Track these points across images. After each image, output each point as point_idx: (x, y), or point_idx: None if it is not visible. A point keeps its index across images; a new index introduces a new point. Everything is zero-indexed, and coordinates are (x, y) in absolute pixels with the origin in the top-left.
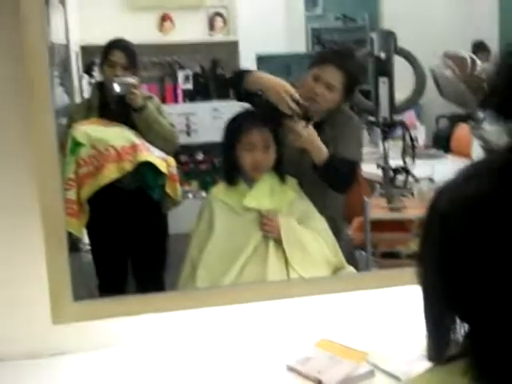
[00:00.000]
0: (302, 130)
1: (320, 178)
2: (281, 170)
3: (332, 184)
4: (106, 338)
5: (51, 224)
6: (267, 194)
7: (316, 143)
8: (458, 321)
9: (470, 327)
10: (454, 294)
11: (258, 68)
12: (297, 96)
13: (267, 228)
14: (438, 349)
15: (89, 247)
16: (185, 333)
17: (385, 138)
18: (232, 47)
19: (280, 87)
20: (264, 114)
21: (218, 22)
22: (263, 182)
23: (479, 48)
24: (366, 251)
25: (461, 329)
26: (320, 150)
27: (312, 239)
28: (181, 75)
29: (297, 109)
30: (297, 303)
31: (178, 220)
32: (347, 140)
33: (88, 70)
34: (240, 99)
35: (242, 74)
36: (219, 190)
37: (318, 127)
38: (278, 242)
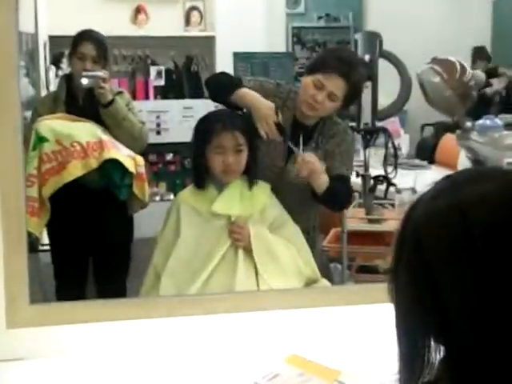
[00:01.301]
0: (306, 163)
1: (319, 202)
2: (252, 174)
3: (332, 206)
4: (63, 345)
5: (11, 223)
6: (237, 199)
7: (319, 175)
8: (431, 343)
9: (446, 351)
10: (427, 313)
11: (235, 66)
12: (278, 120)
13: (236, 236)
14: (411, 372)
15: (47, 248)
16: (145, 343)
17: (366, 145)
18: (208, 43)
19: (264, 112)
20: (237, 114)
21: (195, 16)
22: (233, 187)
23: (479, 54)
24: (341, 264)
25: (435, 352)
26: (322, 181)
27: (284, 249)
28: (153, 71)
29: (273, 133)
30: (266, 316)
31: (144, 224)
32: (344, 155)
33: (56, 62)
34: (216, 100)
35: (232, 86)
36: (187, 193)
37: (308, 133)
38: (248, 250)
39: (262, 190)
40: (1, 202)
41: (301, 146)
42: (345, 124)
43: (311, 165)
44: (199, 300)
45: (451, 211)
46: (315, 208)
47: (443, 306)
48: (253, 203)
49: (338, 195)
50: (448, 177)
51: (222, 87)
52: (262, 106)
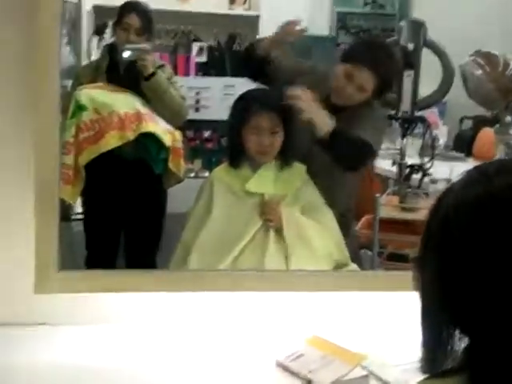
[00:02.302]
0: (303, 98)
1: (325, 152)
2: (288, 155)
3: (338, 159)
4: (88, 313)
5: (44, 189)
6: (271, 179)
7: (319, 113)
8: (456, 332)
9: (470, 340)
10: (453, 303)
11: None
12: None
13: (268, 216)
14: (433, 360)
15: (80, 216)
16: (172, 316)
17: (404, 134)
18: (252, 22)
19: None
20: (274, 95)
21: None
22: (268, 167)
23: None
24: (372, 251)
25: (459, 341)
26: (323, 120)
27: (315, 232)
28: (195, 47)
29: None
30: (292, 296)
31: (177, 199)
32: (368, 126)
33: (98, 32)
34: (253, 74)
35: (255, 42)
36: (222, 171)
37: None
38: (279, 231)
39: (297, 171)
40: (35, 169)
41: None
42: (375, 105)
43: (303, 98)
44: (228, 275)
45: (481, 201)
46: (349, 190)
47: (469, 295)
48: (287, 184)
49: (347, 149)
50: (479, 167)
51: (251, 44)
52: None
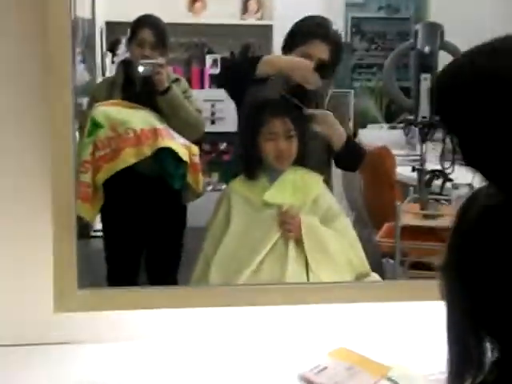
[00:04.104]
0: (321, 113)
1: (337, 164)
2: (304, 163)
3: (349, 167)
4: (109, 331)
5: (61, 208)
6: (289, 189)
7: (336, 126)
8: (485, 344)
9: (500, 352)
10: (481, 313)
11: None
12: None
13: (287, 227)
14: (461, 374)
15: (99, 234)
16: (194, 331)
17: (423, 139)
18: (265, 32)
19: (305, 65)
20: (282, 98)
21: (252, 4)
22: (286, 177)
23: None
24: (394, 259)
25: (488, 354)
26: (340, 133)
27: (335, 241)
28: (209, 59)
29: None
30: (314, 309)
31: (195, 213)
32: (344, 119)
33: (112, 48)
34: (238, 89)
35: (254, 59)
36: (238, 183)
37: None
38: (299, 242)
39: (315, 179)
40: (52, 188)
41: None
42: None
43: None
44: (248, 290)
45: (506, 209)
46: (358, 196)
47: (499, 303)
48: (305, 193)
49: (356, 155)
50: None
51: (243, 66)
52: (298, 60)
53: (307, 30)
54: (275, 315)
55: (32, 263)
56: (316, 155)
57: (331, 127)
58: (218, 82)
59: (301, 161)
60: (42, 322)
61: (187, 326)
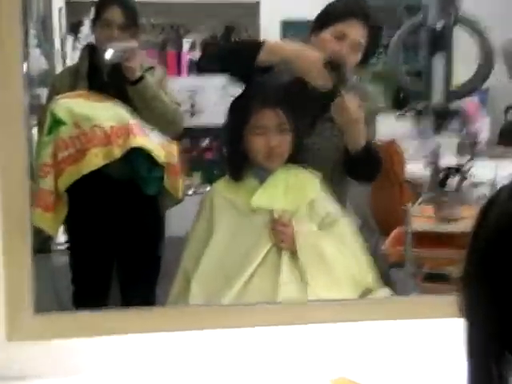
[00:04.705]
0: (353, 106)
1: (348, 170)
2: (299, 160)
3: (363, 176)
4: (72, 361)
5: (11, 220)
6: (281, 190)
7: (361, 124)
8: (509, 366)
9: None
10: (506, 331)
11: (283, 37)
12: (333, 57)
13: (280, 236)
14: None
15: (63, 247)
16: (170, 358)
17: (437, 130)
18: (251, 10)
19: (314, 57)
20: (277, 87)
21: None
22: (277, 176)
23: None
24: (405, 271)
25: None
26: (361, 133)
27: (337, 251)
28: (186, 42)
29: (333, 76)
30: (313, 330)
31: (175, 221)
32: (370, 120)
33: (73, 31)
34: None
35: (257, 45)
36: (222, 184)
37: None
38: (294, 252)
39: (311, 179)
40: (1, 197)
41: None
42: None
43: (352, 109)
44: (235, 310)
45: None
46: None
47: None
48: (300, 195)
49: (373, 163)
50: None
51: (242, 50)
52: (307, 53)
53: (344, 7)
54: (266, 338)
55: None
56: (321, 158)
57: (355, 123)
58: (199, 67)
59: (295, 159)
60: None
61: (165, 352)
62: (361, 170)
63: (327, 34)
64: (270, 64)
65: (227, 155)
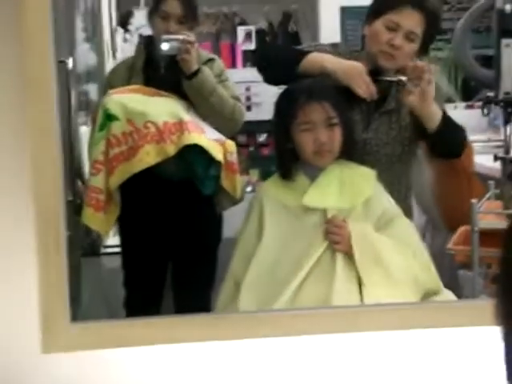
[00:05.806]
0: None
1: (433, 149)
2: (351, 156)
3: (451, 151)
4: (111, 373)
5: (47, 223)
6: (335, 189)
7: (433, 105)
8: None
9: None
10: None
11: (342, 24)
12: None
13: (334, 237)
14: None
15: (115, 250)
16: (217, 368)
17: (507, 120)
18: None
19: (356, 71)
20: (323, 84)
21: None
22: (329, 174)
23: None
24: (472, 272)
25: None
26: (436, 111)
27: (395, 252)
28: (241, 32)
29: (373, 89)
30: (371, 338)
31: (233, 221)
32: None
33: (123, 23)
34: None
35: (299, 54)
36: (272, 184)
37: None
38: (349, 255)
39: (367, 175)
40: (35, 199)
41: None
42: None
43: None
44: (287, 317)
45: None
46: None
47: None
48: (354, 194)
49: (455, 129)
50: None
51: (285, 59)
52: (349, 64)
53: None
54: (320, 347)
55: (14, 294)
56: (379, 154)
57: (428, 100)
58: (255, 62)
59: (347, 153)
60: (26, 364)
61: (212, 361)
62: (447, 145)
63: (379, 25)
64: (310, 74)
65: (276, 153)
